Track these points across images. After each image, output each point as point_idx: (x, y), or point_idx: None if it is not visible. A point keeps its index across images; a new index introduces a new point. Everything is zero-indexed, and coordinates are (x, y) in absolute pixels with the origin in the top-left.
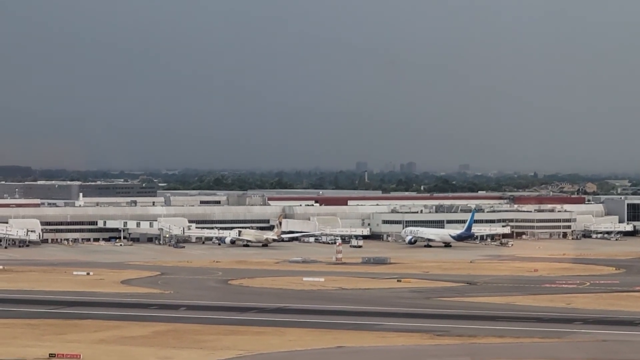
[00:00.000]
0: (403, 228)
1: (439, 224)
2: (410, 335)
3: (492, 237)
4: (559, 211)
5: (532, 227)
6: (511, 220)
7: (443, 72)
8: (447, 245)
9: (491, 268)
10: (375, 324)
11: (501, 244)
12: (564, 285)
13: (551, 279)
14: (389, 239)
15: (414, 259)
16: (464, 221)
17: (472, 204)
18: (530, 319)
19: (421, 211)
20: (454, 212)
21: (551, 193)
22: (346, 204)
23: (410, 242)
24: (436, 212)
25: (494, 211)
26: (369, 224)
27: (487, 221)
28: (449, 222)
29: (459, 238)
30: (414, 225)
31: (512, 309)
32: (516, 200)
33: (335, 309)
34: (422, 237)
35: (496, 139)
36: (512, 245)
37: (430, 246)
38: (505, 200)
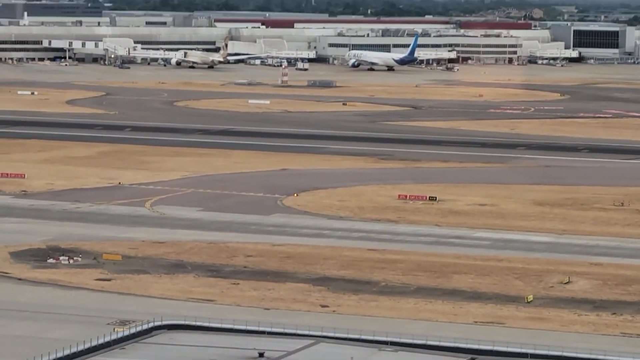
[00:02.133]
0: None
1: (385, 48)
2: (355, 158)
3: (438, 62)
4: (505, 37)
5: (478, 53)
6: (457, 46)
7: None
8: (390, 69)
9: (436, 93)
10: (321, 147)
11: (447, 68)
12: (508, 111)
13: (496, 105)
14: (335, 62)
15: (359, 82)
16: (409, 46)
17: (419, 28)
18: (475, 143)
19: (367, 35)
20: (400, 36)
21: (498, 19)
22: (293, 27)
23: (353, 66)
24: (382, 36)
25: (440, 36)
26: (315, 47)
27: (433, 46)
28: (395, 46)
29: (402, 62)
30: (361, 49)
31: (456, 133)
32: (463, 25)
33: (281, 131)
34: (365, 61)
35: None
36: (457, 70)
37: (373, 70)
38: (452, 25)
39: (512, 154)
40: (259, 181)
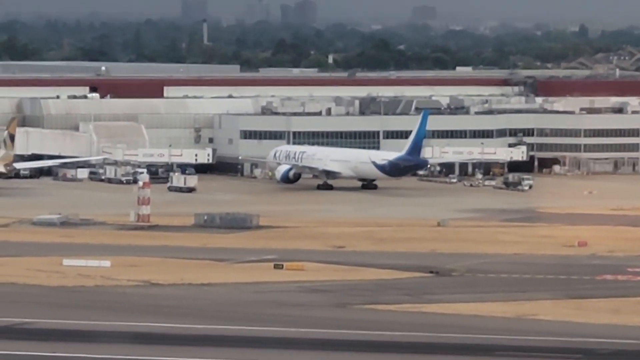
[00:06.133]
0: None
1: (366, 139)
2: None
3: (488, 170)
4: (634, 112)
5: (577, 149)
6: (530, 133)
7: None
8: (368, 184)
9: (483, 239)
10: None
11: (507, 184)
12: None
13: (616, 264)
14: (257, 172)
15: (308, 216)
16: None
17: (443, 93)
18: (568, 351)
19: (329, 111)
20: (396, 113)
21: (618, 71)
22: (161, 94)
23: (285, 178)
24: (361, 112)
25: (490, 112)
26: (210, 141)
27: (474, 134)
28: (390, 135)
29: (396, 170)
30: (311, 141)
31: (528, 330)
32: (541, 88)
33: (135, 329)
34: (313, 167)
35: None
36: (530, 188)
37: (330, 187)
38: (517, 88)
39: None
40: None
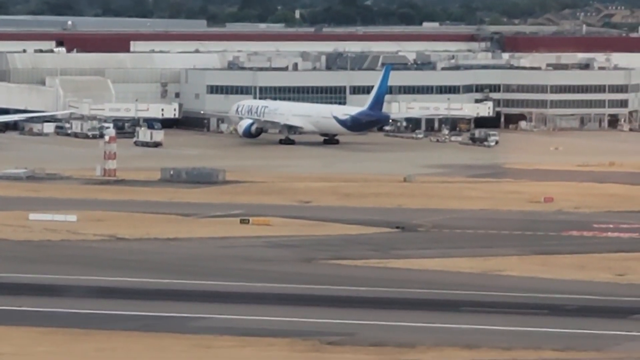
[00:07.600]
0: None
1: (333, 94)
2: (270, 344)
3: (454, 126)
4: (601, 68)
5: (543, 105)
6: (497, 89)
7: None
8: (329, 139)
9: (451, 194)
10: (192, 318)
11: (473, 140)
12: (609, 235)
13: (582, 220)
14: (223, 127)
15: (275, 171)
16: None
17: (409, 49)
18: (534, 307)
19: (295, 66)
20: (363, 68)
21: (584, 27)
22: (128, 48)
23: (247, 133)
24: (328, 67)
25: (456, 68)
26: (177, 96)
27: (441, 90)
28: (357, 90)
29: (358, 125)
30: (281, 96)
31: (493, 285)
32: (509, 43)
33: (103, 284)
34: (273, 122)
35: None
36: (496, 143)
37: (292, 142)
38: (484, 43)
39: (617, 329)
40: None
